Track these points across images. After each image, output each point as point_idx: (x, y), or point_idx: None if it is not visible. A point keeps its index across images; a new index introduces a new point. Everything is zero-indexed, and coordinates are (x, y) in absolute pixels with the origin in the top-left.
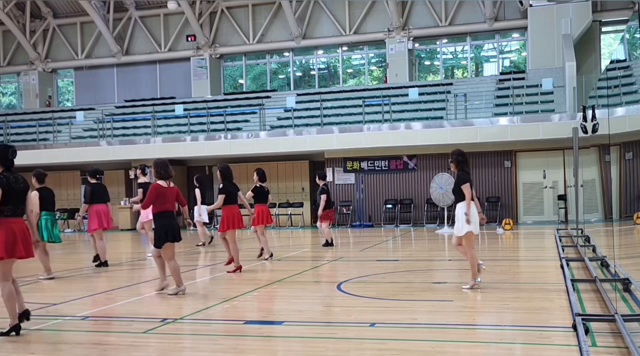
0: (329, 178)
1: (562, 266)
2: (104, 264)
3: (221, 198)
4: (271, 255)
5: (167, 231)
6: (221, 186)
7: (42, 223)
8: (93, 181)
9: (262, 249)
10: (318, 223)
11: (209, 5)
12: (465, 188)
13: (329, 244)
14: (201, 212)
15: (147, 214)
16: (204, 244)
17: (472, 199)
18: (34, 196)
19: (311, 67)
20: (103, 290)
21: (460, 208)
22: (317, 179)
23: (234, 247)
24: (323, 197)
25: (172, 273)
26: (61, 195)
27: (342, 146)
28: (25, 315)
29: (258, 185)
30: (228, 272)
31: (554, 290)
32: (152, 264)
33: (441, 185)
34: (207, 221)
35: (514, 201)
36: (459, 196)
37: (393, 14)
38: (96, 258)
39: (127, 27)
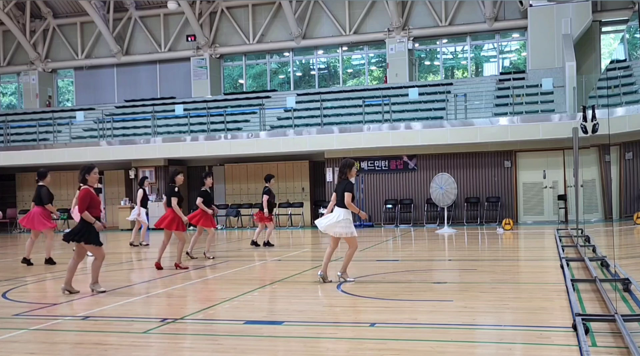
0: (329, 177)
1: (562, 266)
2: (28, 262)
3: (175, 200)
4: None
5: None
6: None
7: None
8: (41, 183)
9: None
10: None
11: (209, 5)
12: (349, 197)
13: (269, 244)
14: (140, 213)
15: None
16: (144, 244)
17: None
18: None
19: (311, 67)
20: (101, 290)
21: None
22: (264, 181)
23: (163, 247)
24: (265, 198)
25: (70, 272)
26: (61, 195)
27: (342, 146)
28: None
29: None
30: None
31: (554, 290)
32: (151, 264)
33: (441, 185)
34: (146, 222)
35: (514, 201)
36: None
37: (393, 14)
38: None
39: (127, 27)
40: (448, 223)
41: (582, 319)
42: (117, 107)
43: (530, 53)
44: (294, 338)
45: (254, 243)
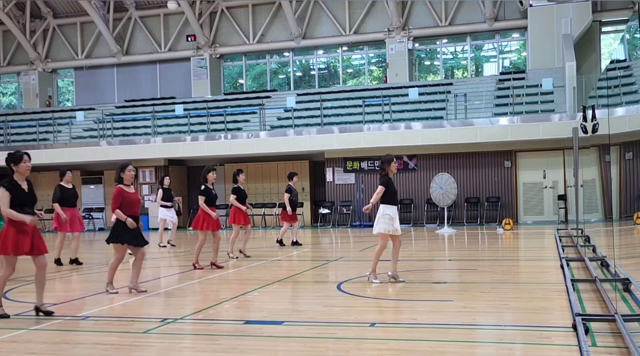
0: (329, 177)
1: (562, 266)
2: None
3: (201, 198)
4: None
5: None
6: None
7: None
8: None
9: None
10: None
11: (209, 5)
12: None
13: (284, 243)
14: (160, 212)
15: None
16: (164, 246)
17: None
18: None
19: (311, 67)
20: (103, 290)
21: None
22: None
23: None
24: (286, 196)
25: (134, 271)
26: None
27: (342, 146)
28: None
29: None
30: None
31: (554, 290)
32: (151, 265)
33: (441, 185)
34: (173, 221)
35: (514, 201)
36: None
37: (393, 14)
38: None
39: (127, 27)
40: (448, 223)
41: (582, 319)
42: (117, 107)
43: (530, 53)
44: (294, 338)
45: (280, 242)
